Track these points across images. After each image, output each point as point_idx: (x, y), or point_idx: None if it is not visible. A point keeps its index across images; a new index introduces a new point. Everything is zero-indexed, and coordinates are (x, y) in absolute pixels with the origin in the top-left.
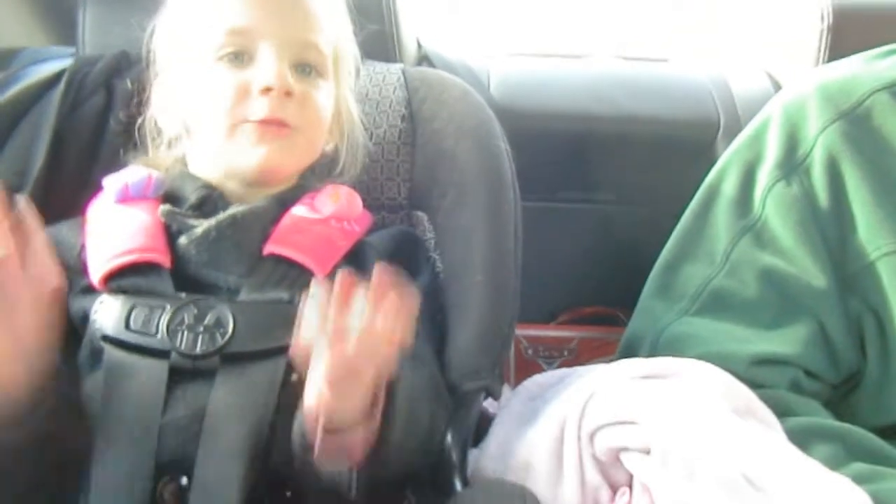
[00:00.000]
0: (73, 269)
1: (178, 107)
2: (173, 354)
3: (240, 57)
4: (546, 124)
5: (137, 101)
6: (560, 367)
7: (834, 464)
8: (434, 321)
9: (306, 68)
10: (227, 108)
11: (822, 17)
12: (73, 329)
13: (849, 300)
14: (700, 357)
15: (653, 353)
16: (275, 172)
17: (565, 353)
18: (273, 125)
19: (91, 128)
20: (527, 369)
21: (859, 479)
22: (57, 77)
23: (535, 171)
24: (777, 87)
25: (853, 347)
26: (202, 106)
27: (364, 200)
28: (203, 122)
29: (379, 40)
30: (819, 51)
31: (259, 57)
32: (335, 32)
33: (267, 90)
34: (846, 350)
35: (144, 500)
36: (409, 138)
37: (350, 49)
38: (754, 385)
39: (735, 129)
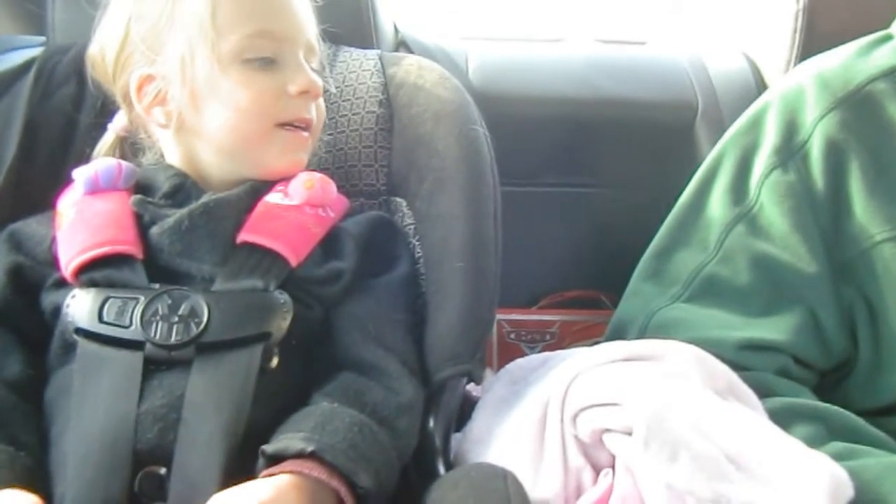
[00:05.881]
0: (44, 262)
1: (174, 99)
2: (148, 345)
3: (267, 60)
4: (524, 108)
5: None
6: (542, 351)
7: (814, 442)
8: (414, 308)
9: (311, 69)
10: (263, 110)
11: None
12: (43, 324)
13: (841, 288)
14: (689, 342)
15: (641, 337)
16: (291, 174)
17: (547, 336)
18: (303, 137)
19: (63, 118)
20: (509, 353)
21: (838, 457)
22: (26, 66)
23: (513, 155)
24: (754, 68)
25: (845, 335)
26: (226, 107)
27: (342, 187)
28: (228, 122)
29: (356, 26)
30: (794, 32)
31: (284, 60)
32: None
33: (304, 93)
34: (837, 337)
35: (122, 491)
36: (386, 124)
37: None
38: (740, 368)
39: (713, 111)
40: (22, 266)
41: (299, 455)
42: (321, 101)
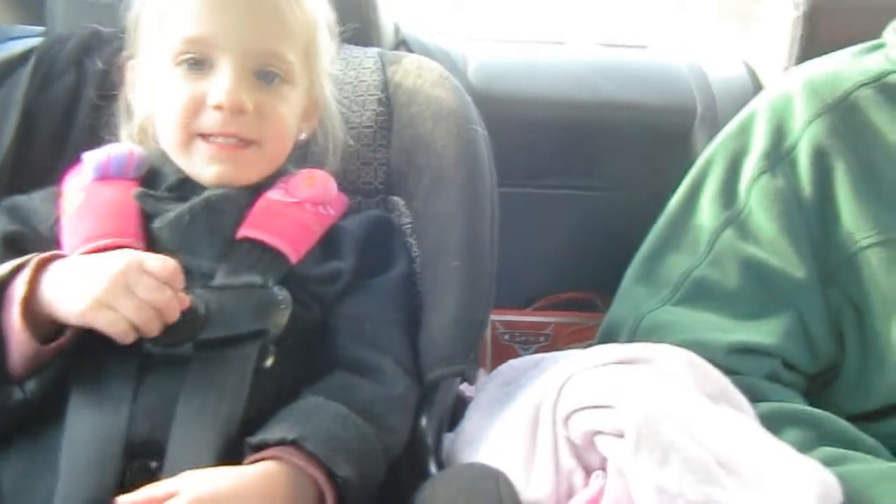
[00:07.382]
0: (48, 239)
1: (146, 96)
2: (146, 343)
3: (199, 64)
4: (523, 110)
5: (111, 80)
6: (536, 352)
7: (804, 447)
8: (409, 307)
9: (269, 76)
10: (181, 121)
11: (796, 6)
12: None
13: (829, 292)
14: (678, 344)
15: (632, 339)
16: (232, 184)
17: (541, 338)
18: (227, 146)
19: (62, 107)
20: (503, 354)
21: (828, 462)
22: (26, 55)
23: (512, 156)
24: (753, 75)
25: (832, 339)
26: (160, 108)
27: (340, 185)
28: (160, 125)
29: (357, 24)
30: (793, 39)
31: (217, 67)
32: (307, 28)
33: (219, 107)
34: (825, 341)
35: (113, 483)
36: (385, 123)
37: (327, 37)
38: (730, 372)
39: (712, 116)
40: (24, 236)
41: (280, 444)
42: (278, 114)
